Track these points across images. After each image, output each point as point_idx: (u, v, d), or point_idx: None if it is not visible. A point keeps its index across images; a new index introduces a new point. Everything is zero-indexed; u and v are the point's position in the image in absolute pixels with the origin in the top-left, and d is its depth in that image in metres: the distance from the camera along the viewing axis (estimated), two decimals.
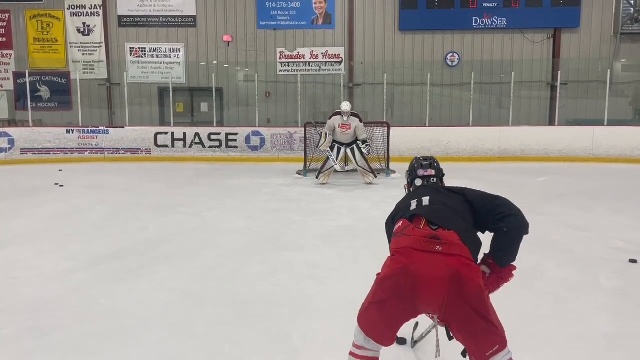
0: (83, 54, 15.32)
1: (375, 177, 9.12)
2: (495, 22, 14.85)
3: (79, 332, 3.25)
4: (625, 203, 7.42)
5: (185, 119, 15.06)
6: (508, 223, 2.24)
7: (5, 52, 15.29)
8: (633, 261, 4.60)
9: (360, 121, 9.18)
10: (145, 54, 15.34)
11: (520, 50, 15.00)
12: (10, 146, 12.73)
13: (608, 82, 13.07)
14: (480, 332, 2.04)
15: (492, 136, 12.78)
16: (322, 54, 15.22)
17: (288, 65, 15.30)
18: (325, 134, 9.00)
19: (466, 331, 2.06)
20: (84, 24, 15.21)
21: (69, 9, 15.14)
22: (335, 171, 9.11)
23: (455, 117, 14.44)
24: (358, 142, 8.99)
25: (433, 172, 2.68)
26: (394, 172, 10.37)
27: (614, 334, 3.22)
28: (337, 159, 8.98)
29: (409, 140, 12.57)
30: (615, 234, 5.62)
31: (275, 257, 4.88)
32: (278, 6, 15.11)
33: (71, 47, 15.29)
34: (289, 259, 4.79)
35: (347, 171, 9.04)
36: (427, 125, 13.40)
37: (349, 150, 8.98)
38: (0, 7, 15.16)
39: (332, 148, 8.98)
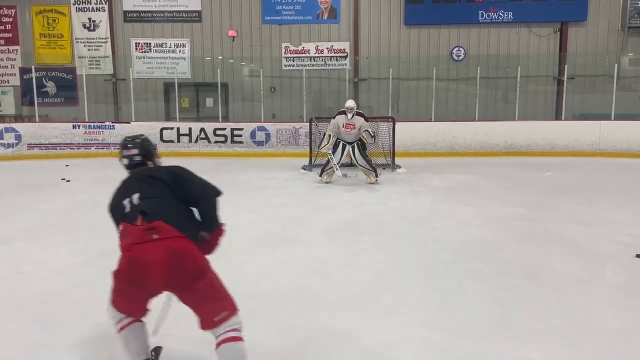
0: (89, 50, 15.35)
1: (377, 176, 8.78)
2: (501, 16, 14.76)
3: (85, 326, 3.27)
4: (632, 198, 7.38)
5: (190, 114, 15.08)
6: (201, 204, 2.63)
7: (11, 47, 15.35)
8: (639, 256, 4.58)
9: (366, 120, 8.97)
10: (150, 49, 15.36)
11: (527, 44, 14.92)
12: (17, 141, 12.80)
13: (615, 76, 12.98)
14: (208, 299, 2.37)
15: (498, 131, 12.72)
16: (327, 48, 15.18)
17: (293, 60, 15.28)
18: (329, 135, 8.72)
19: (194, 298, 2.37)
20: (89, 19, 15.23)
21: (74, 4, 15.16)
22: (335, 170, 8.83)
23: (461, 112, 14.37)
24: (362, 134, 8.65)
25: (136, 151, 2.91)
26: (399, 167, 10.36)
27: (620, 329, 3.22)
28: (341, 156, 8.76)
29: (415, 135, 12.54)
30: (621, 229, 5.60)
31: (281, 251, 4.89)
32: (283, 1, 15.08)
33: (77, 42, 15.33)
34: (295, 254, 4.80)
35: (347, 176, 8.82)
36: (433, 120, 13.36)
37: (350, 148, 8.79)
38: (6, 3, 15.21)
39: (336, 145, 8.75)
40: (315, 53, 15.21)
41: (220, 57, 15.23)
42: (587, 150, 12.39)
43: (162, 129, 13.00)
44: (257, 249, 5.00)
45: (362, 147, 8.90)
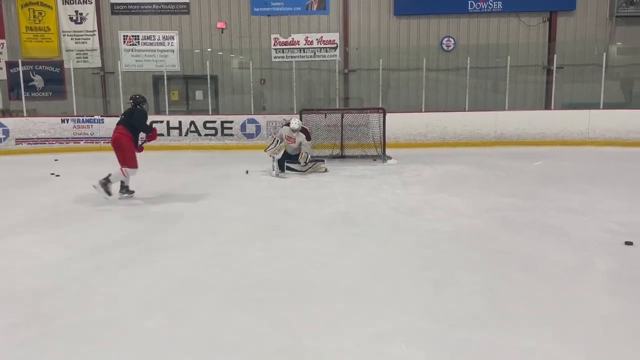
0: (76, 43, 15.19)
1: (323, 161, 9.44)
2: (490, 6, 14.79)
3: (79, 320, 3.27)
4: (621, 186, 7.46)
5: (180, 107, 15.00)
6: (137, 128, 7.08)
7: None
8: (629, 243, 4.63)
9: (308, 138, 9.40)
10: (138, 41, 15.22)
11: (516, 34, 14.97)
12: (4, 136, 12.68)
13: (604, 65, 13.05)
14: (123, 157, 6.92)
15: (488, 121, 12.78)
16: (317, 40, 15.13)
17: (282, 52, 15.21)
18: (277, 140, 9.23)
19: (119, 155, 6.94)
20: (76, 12, 15.05)
21: None
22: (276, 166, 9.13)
23: (451, 102, 14.42)
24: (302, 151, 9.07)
25: (132, 101, 7.05)
26: (390, 158, 10.38)
27: (612, 315, 3.26)
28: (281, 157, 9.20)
29: (405, 126, 12.57)
30: (611, 216, 5.66)
31: (274, 243, 4.90)
32: None
33: (64, 35, 15.16)
34: (288, 246, 4.81)
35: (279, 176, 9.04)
36: (423, 110, 13.38)
37: (291, 165, 9.18)
38: None
39: (279, 160, 9.12)
40: (304, 44, 15.15)
41: (209, 50, 15.13)
42: (577, 139, 12.50)
43: (151, 123, 12.84)
44: (250, 241, 5.00)
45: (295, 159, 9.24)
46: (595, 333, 3.02)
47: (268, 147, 9.35)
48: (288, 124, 9.35)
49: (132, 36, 15.20)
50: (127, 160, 6.85)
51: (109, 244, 4.90)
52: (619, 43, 14.85)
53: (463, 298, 3.55)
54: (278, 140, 9.21)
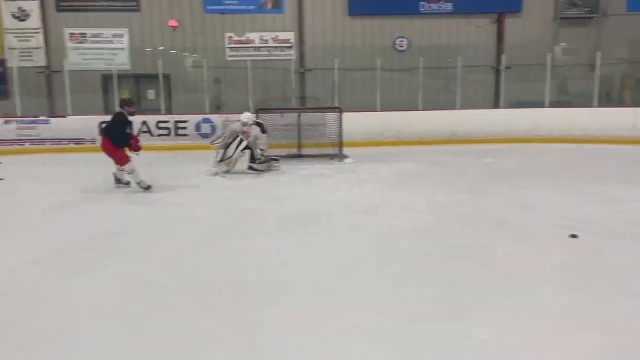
0: (19, 41, 14.51)
1: (278, 160, 9.40)
2: (441, 7, 15.10)
3: (30, 328, 3.14)
4: (565, 181, 7.79)
5: None
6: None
7: None
8: (574, 236, 4.83)
9: (263, 131, 9.25)
10: (86, 39, 14.69)
11: (466, 35, 15.32)
12: None
13: (549, 65, 13.55)
14: (115, 159, 7.45)
15: (441, 119, 13.05)
16: (272, 38, 15.04)
17: (237, 51, 15.03)
18: (226, 136, 9.16)
19: (112, 157, 7.43)
20: (19, 8, 14.39)
21: None
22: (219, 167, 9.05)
23: (405, 102, 14.59)
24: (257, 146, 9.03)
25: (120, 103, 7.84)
26: (346, 157, 10.45)
27: (563, 305, 3.39)
28: (235, 151, 8.99)
29: (361, 125, 12.65)
30: (558, 210, 5.90)
31: (235, 244, 4.85)
32: None
33: (6, 33, 14.46)
34: (247, 246, 4.77)
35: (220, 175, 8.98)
36: (378, 109, 13.52)
37: (253, 165, 9.04)
38: None
39: (234, 142, 8.99)
40: (259, 43, 15.03)
41: (161, 48, 14.78)
42: (524, 137, 12.91)
43: (101, 123, 12.42)
44: (209, 242, 4.93)
45: (252, 159, 9.10)
46: (548, 324, 3.13)
47: (214, 140, 9.32)
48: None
49: (79, 34, 14.66)
50: (119, 161, 7.41)
51: (61, 249, 4.72)
52: (563, 43, 15.46)
53: (422, 294, 3.61)
54: (227, 137, 9.07)
